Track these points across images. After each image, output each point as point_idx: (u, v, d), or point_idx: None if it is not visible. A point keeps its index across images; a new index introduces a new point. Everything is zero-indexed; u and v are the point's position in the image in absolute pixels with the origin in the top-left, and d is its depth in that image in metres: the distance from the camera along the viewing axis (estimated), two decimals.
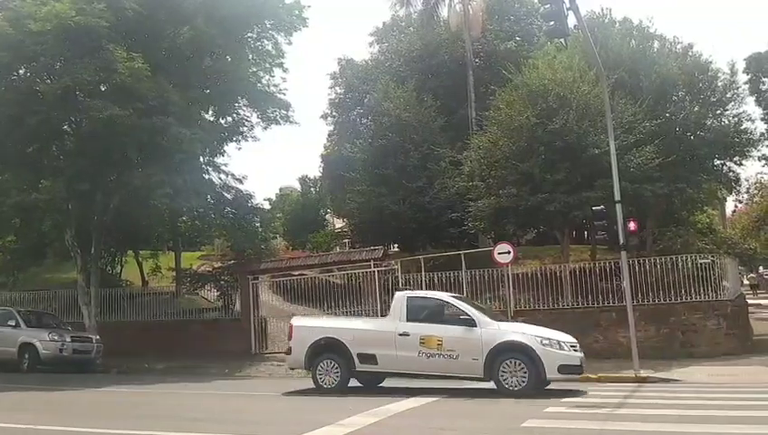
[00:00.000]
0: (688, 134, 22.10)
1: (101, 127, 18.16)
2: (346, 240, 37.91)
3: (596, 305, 18.23)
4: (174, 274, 28.01)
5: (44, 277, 29.92)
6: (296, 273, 23.42)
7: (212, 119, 24.43)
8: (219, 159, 25.56)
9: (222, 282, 24.85)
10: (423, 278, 20.38)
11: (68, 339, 18.89)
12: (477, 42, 31.33)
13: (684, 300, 17.47)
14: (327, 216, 48.35)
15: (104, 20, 17.93)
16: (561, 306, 18.74)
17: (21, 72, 20.25)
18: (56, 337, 18.68)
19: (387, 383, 14.78)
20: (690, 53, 22.84)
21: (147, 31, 20.47)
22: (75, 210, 21.31)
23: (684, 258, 18.03)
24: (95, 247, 21.91)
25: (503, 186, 19.51)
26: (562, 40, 21.61)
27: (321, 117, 39.65)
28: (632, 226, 15.27)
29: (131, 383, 15.48)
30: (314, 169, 69.90)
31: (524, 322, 18.55)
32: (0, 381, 15.61)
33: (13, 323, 19.16)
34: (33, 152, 20.24)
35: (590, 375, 14.67)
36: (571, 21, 14.20)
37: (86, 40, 18.11)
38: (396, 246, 29.84)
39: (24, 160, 20.02)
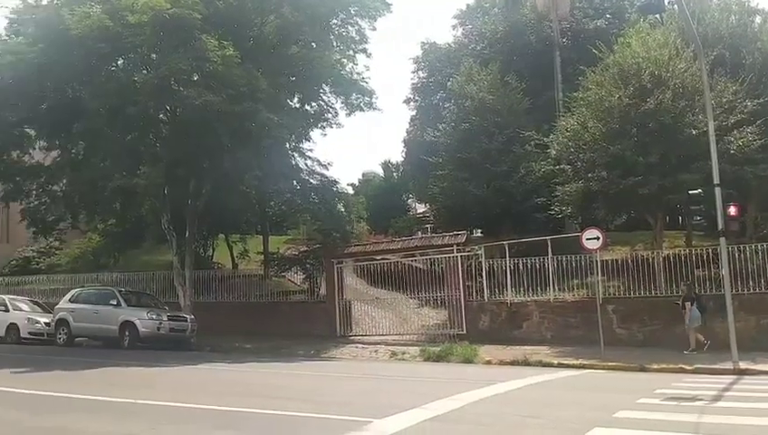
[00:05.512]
0: None
1: (196, 114, 18.83)
2: (428, 225, 37.83)
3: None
4: (262, 257, 28.88)
5: (143, 259, 31.51)
6: (379, 257, 23.62)
7: (298, 105, 24.95)
8: (305, 145, 26.15)
9: (308, 265, 25.43)
10: (507, 264, 20.11)
11: (165, 318, 19.87)
12: (565, 21, 30.38)
13: None
14: (409, 201, 48.42)
15: (197, 11, 18.51)
16: (653, 294, 18.08)
17: (120, 63, 21.26)
18: (154, 316, 19.68)
19: (469, 370, 14.80)
20: None
21: (235, 21, 21.00)
22: (171, 195, 22.29)
23: None
24: (189, 231, 22.85)
25: (592, 169, 18.86)
26: (657, 16, 20.60)
27: (404, 102, 39.65)
28: (733, 210, 14.46)
29: (224, 362, 16.12)
30: (397, 154, 70.12)
31: (613, 310, 18.20)
32: (103, 356, 16.70)
33: (114, 302, 20.34)
34: (131, 140, 21.23)
35: (685, 366, 14.17)
36: None
37: (180, 31, 18.75)
38: (479, 231, 29.51)
39: (123, 148, 21.01)
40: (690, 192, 15.89)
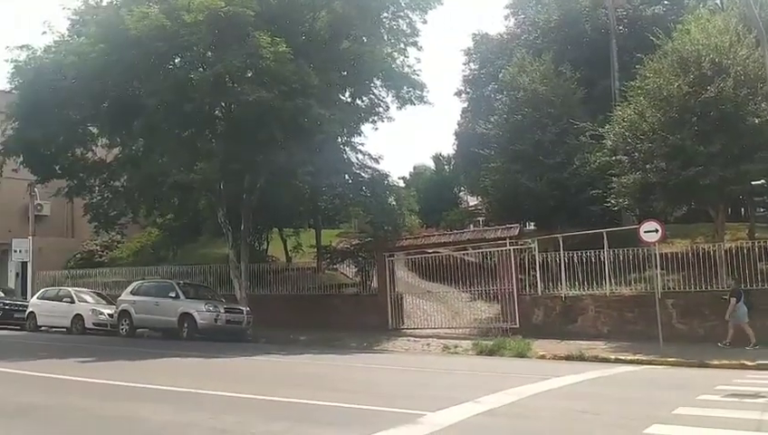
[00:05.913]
0: None
1: (250, 110, 19.17)
2: (480, 218, 37.59)
3: (754, 288, 16.87)
4: (315, 250, 29.21)
5: (200, 252, 32.26)
6: (430, 250, 23.59)
7: (349, 100, 25.04)
8: (356, 139, 26.27)
9: (360, 258, 25.58)
10: (561, 257, 19.81)
11: (222, 310, 20.33)
12: (621, 8, 29.63)
13: None
14: (461, 194, 48.14)
15: (250, 9, 18.80)
16: (714, 288, 17.53)
17: (176, 61, 21.77)
18: (212, 308, 20.17)
19: (523, 364, 14.66)
20: None
21: (287, 17, 21.24)
22: (226, 190, 22.79)
23: None
24: (244, 225, 23.32)
25: (649, 160, 18.37)
26: (717, 1, 19.95)
27: (455, 94, 39.40)
28: None
29: (279, 353, 16.42)
30: (448, 147, 69.82)
31: (673, 305, 17.72)
32: (163, 347, 17.22)
33: (173, 294, 20.96)
34: (188, 136, 21.77)
35: (746, 362, 13.74)
36: None
37: (234, 29, 19.07)
38: (532, 224, 29.15)
39: (180, 144, 21.55)
40: (753, 183, 15.38)
